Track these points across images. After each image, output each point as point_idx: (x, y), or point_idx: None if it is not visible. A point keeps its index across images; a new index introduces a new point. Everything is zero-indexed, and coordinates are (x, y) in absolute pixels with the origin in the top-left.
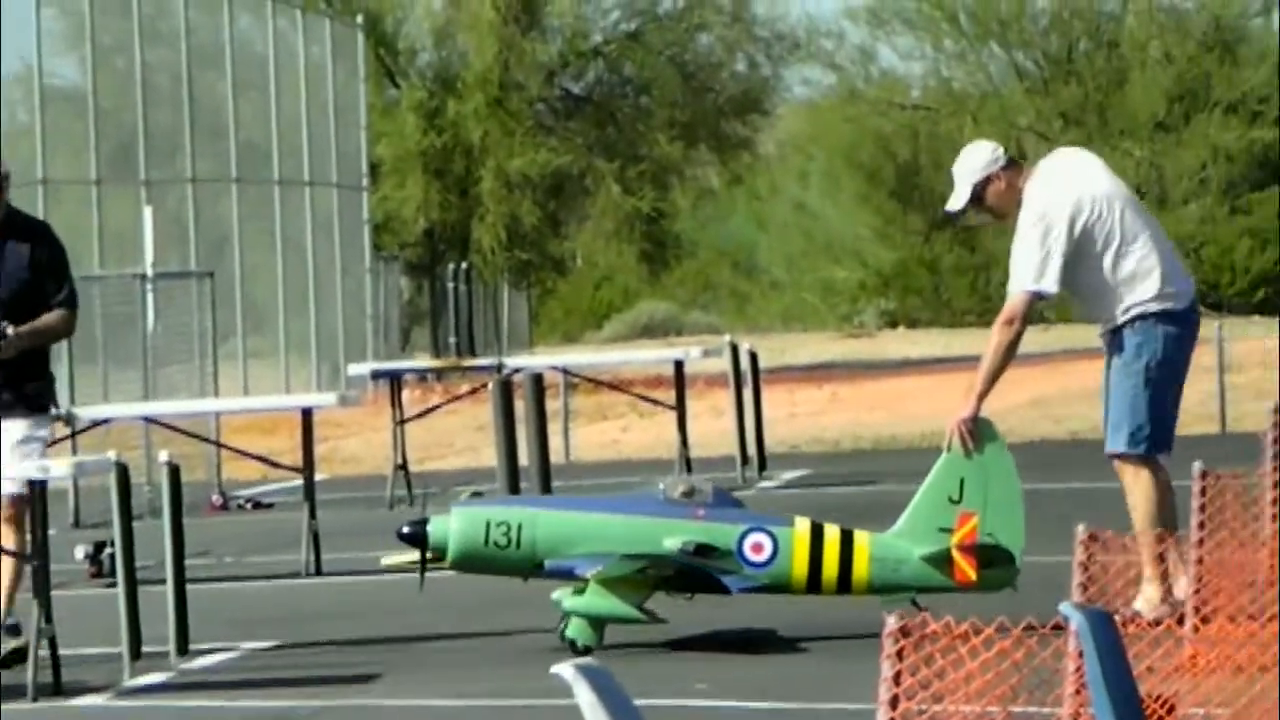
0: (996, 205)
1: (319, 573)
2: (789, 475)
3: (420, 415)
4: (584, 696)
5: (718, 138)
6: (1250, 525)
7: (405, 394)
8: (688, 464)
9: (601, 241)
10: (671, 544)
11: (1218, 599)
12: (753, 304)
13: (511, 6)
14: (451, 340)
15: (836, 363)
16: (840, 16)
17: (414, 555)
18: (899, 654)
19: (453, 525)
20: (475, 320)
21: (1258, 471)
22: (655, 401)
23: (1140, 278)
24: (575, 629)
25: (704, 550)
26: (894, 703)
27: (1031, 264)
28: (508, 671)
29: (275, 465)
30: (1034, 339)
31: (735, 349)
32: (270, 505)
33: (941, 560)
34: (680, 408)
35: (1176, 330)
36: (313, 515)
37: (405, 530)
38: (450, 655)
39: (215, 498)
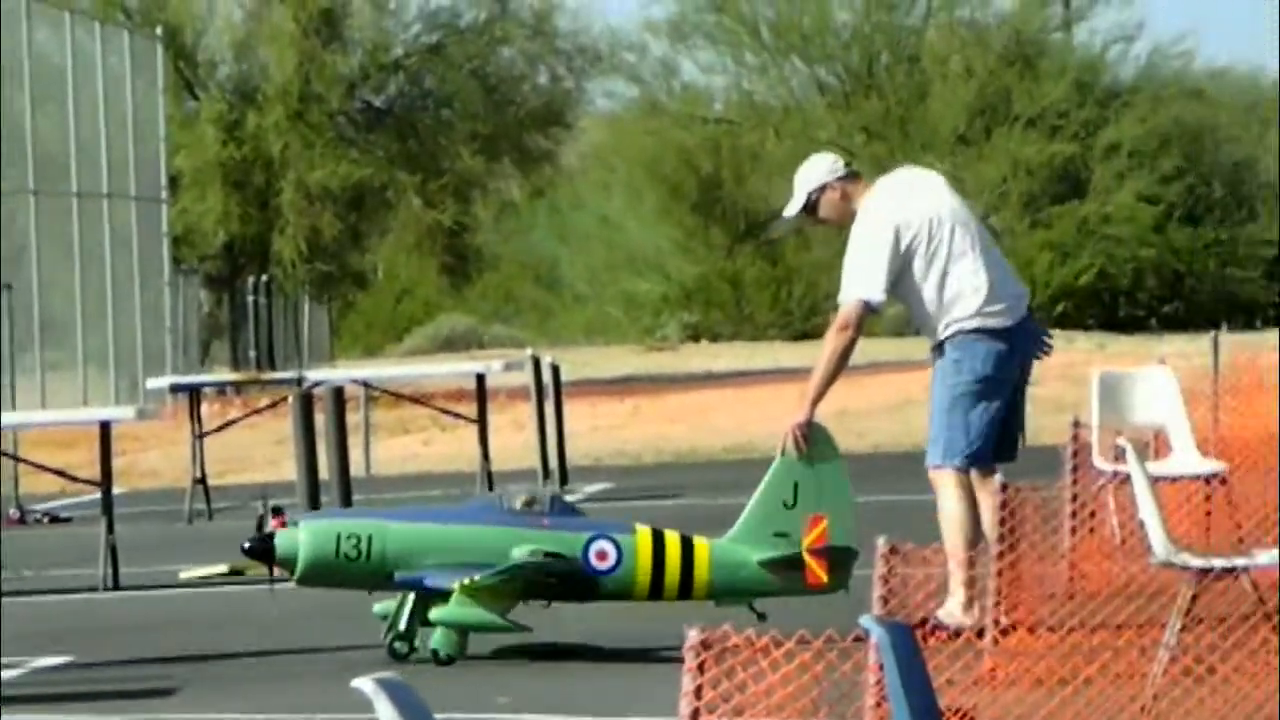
0: (830, 215)
1: (117, 587)
2: (591, 489)
3: (219, 429)
4: (384, 711)
5: (520, 150)
6: (1049, 538)
7: (204, 407)
8: (489, 478)
9: (403, 254)
10: (519, 553)
11: (1017, 612)
12: (555, 317)
13: (312, 19)
14: (251, 354)
15: (638, 376)
16: (642, 30)
17: (215, 569)
18: (700, 667)
19: (302, 538)
20: (275, 333)
21: (1056, 484)
22: (456, 415)
23: (963, 296)
24: (440, 640)
25: (552, 559)
26: (695, 716)
27: (859, 273)
28: (309, 686)
29: (73, 479)
30: None
31: (537, 362)
32: (68, 519)
33: (783, 564)
34: (482, 421)
35: (998, 347)
36: (110, 529)
37: (249, 544)
38: (251, 670)
39: (12, 512)
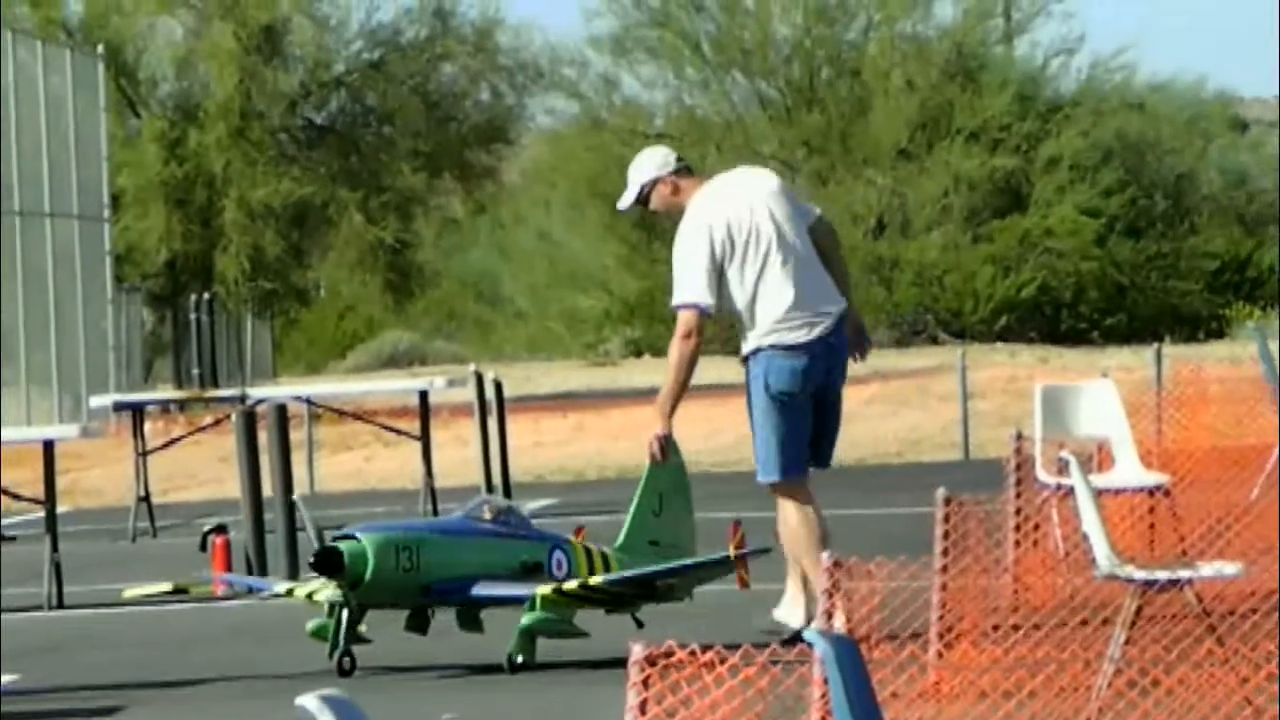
0: (660, 208)
1: (61, 605)
2: (535, 505)
3: (163, 446)
4: None
5: (461, 167)
6: (993, 551)
7: (148, 425)
8: (433, 494)
9: (345, 271)
10: (528, 561)
11: (961, 624)
12: (497, 333)
13: (253, 36)
14: (195, 371)
15: (580, 392)
16: (584, 45)
17: (159, 587)
18: (644, 682)
19: (369, 549)
20: (219, 351)
21: (1000, 498)
22: (400, 431)
23: (765, 308)
24: (519, 647)
25: (535, 568)
26: None
27: (685, 280)
28: (255, 704)
29: (17, 497)
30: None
31: (480, 378)
32: (12, 538)
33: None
34: (425, 437)
35: (796, 362)
36: (54, 547)
37: (314, 558)
38: (196, 688)
39: None
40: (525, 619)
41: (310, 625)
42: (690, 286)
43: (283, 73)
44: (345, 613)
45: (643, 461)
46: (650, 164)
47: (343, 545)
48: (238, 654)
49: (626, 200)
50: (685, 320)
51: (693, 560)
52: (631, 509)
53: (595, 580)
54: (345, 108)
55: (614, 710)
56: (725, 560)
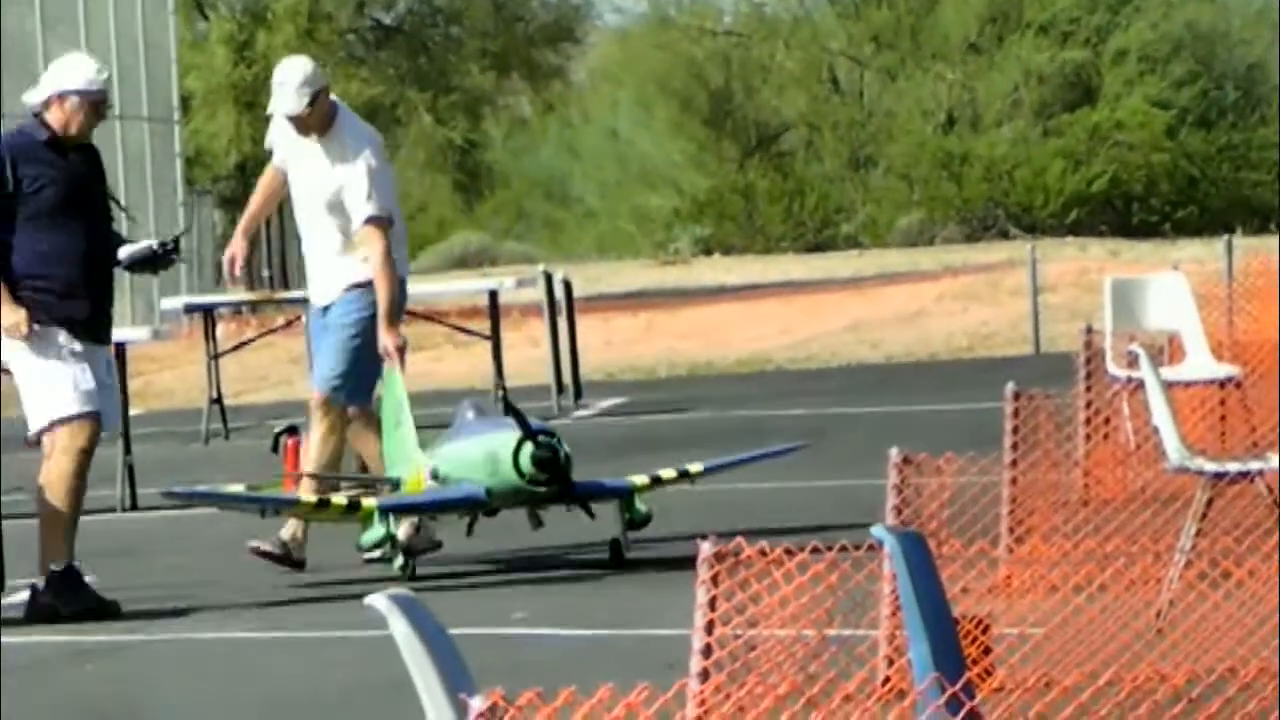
0: (314, 124)
1: (134, 508)
2: (605, 403)
3: (234, 349)
4: (398, 628)
5: (529, 67)
6: (1063, 445)
7: (219, 328)
8: (504, 393)
9: (414, 172)
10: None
11: (1031, 519)
12: (567, 233)
13: None
14: (265, 273)
15: (651, 290)
16: None
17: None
18: (714, 579)
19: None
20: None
21: (1070, 392)
22: (470, 331)
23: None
24: (625, 539)
25: None
26: (709, 628)
27: (384, 189)
28: (325, 605)
29: None
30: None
31: (549, 278)
32: None
33: None
34: (495, 338)
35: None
36: (128, 450)
37: (544, 458)
38: (268, 590)
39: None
40: (630, 511)
41: (369, 537)
42: (388, 197)
43: None
44: (394, 520)
45: (712, 359)
46: (313, 71)
47: (559, 446)
48: (309, 556)
49: (298, 106)
50: (379, 237)
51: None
52: (409, 420)
53: (694, 468)
54: (413, 8)
55: (684, 608)
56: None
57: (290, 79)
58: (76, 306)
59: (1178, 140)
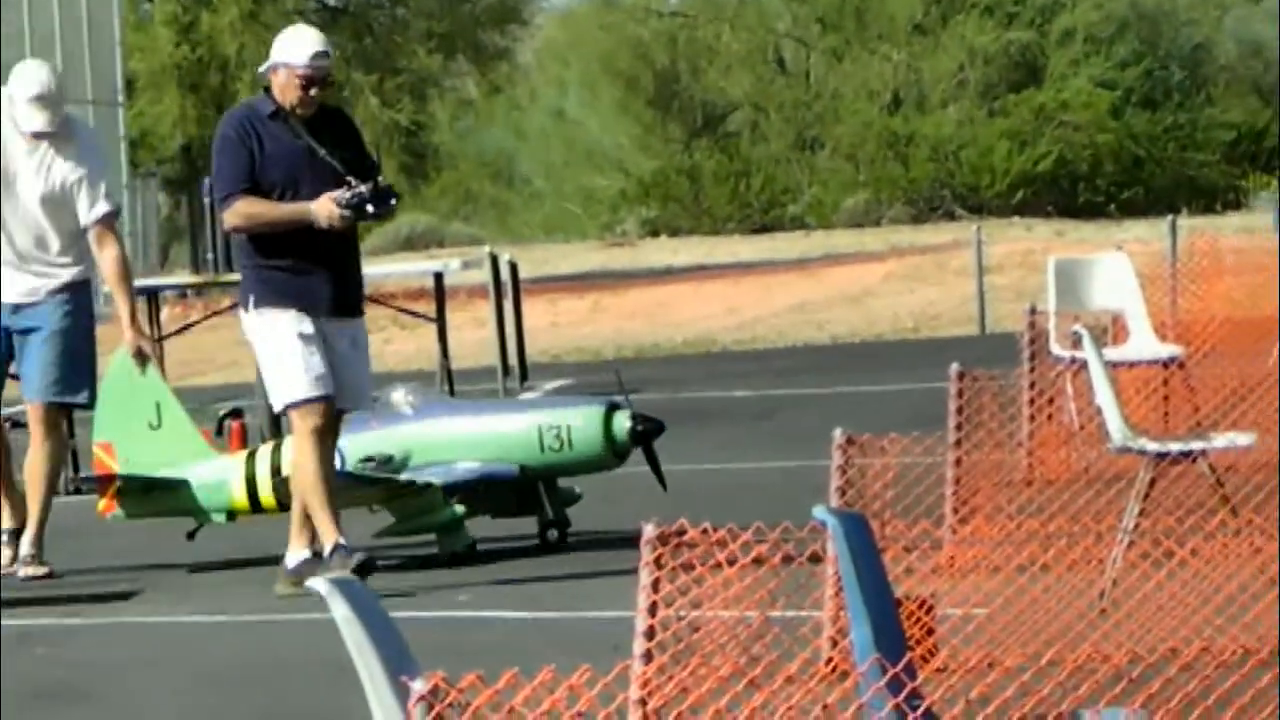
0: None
1: (79, 491)
2: (551, 385)
3: (179, 331)
4: (340, 611)
5: (476, 48)
6: (1007, 425)
7: (164, 311)
8: (449, 375)
9: None
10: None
11: (974, 499)
12: (514, 214)
13: None
14: (210, 256)
15: (598, 272)
16: None
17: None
18: (657, 561)
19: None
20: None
21: (1014, 372)
22: (415, 314)
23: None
24: None
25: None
26: (653, 610)
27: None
28: (268, 589)
29: None
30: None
31: (495, 260)
32: (23, 424)
33: None
34: (440, 320)
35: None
36: (71, 434)
37: (645, 431)
38: (214, 575)
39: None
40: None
41: (446, 513)
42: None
43: None
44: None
45: (658, 341)
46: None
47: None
48: (252, 540)
49: (50, 124)
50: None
51: None
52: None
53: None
54: None
55: (627, 589)
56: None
57: (36, 92)
58: (307, 283)
59: (1123, 121)
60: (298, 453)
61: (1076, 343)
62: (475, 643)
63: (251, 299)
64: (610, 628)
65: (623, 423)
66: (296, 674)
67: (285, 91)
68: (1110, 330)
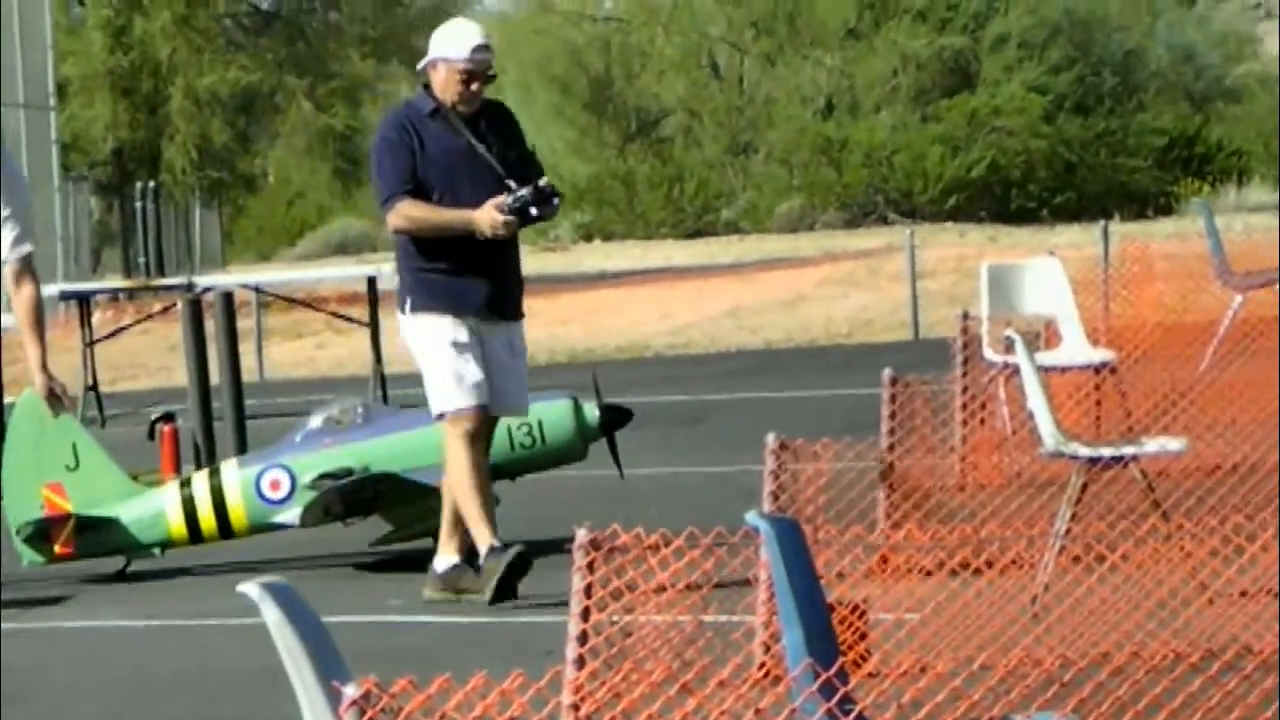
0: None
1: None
2: None
3: (110, 335)
4: (270, 615)
5: (410, 52)
6: (940, 430)
7: (96, 315)
8: (382, 380)
9: (293, 158)
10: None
11: (908, 504)
12: None
13: None
14: (141, 260)
15: (532, 277)
16: None
17: None
18: (590, 565)
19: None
20: (166, 239)
21: (947, 377)
22: (348, 318)
23: None
24: None
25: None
26: (585, 615)
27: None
28: (197, 592)
29: None
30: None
31: None
32: None
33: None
34: (374, 324)
35: None
36: (2, 437)
37: (615, 419)
38: (146, 579)
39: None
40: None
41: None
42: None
43: None
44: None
45: (592, 346)
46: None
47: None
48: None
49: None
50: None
51: None
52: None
53: None
54: None
55: (560, 595)
56: None
57: None
58: (465, 287)
59: (1056, 126)
60: (452, 458)
61: (1009, 348)
62: (408, 647)
63: (409, 302)
64: (543, 632)
65: (592, 412)
66: (228, 678)
67: (445, 88)
68: (1043, 335)
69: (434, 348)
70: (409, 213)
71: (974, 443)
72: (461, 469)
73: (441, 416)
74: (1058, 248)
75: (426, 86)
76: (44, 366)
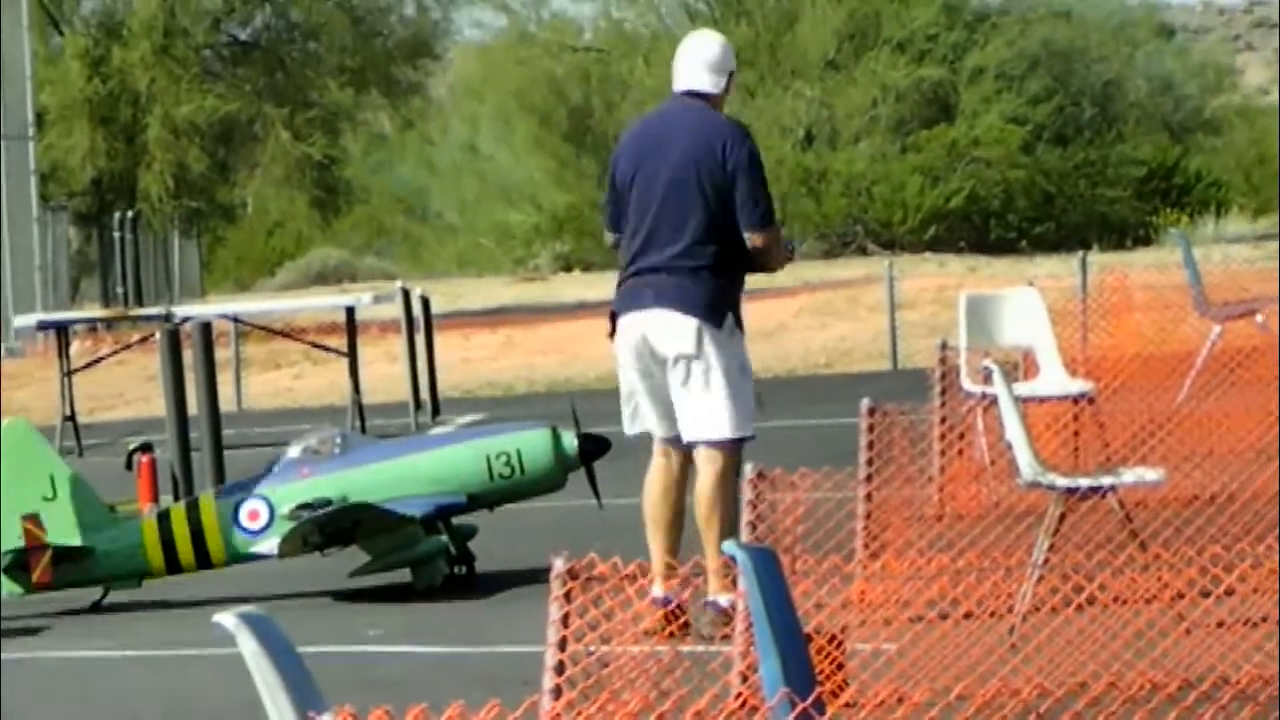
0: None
1: None
2: (463, 420)
3: (88, 365)
4: (247, 645)
5: (388, 82)
6: (918, 460)
7: (74, 345)
8: (361, 411)
9: (272, 188)
10: None
11: (886, 534)
12: (427, 249)
13: None
14: (119, 290)
15: (511, 307)
16: None
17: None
18: (567, 595)
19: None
20: (145, 269)
21: (925, 407)
22: (326, 348)
23: None
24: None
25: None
26: (562, 644)
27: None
28: (175, 622)
29: None
30: None
31: (407, 294)
32: None
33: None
34: (352, 355)
35: None
36: None
37: (597, 447)
38: (122, 609)
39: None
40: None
41: (426, 546)
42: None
43: None
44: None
45: (571, 376)
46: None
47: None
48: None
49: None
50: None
51: None
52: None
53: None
54: (270, 24)
55: (537, 623)
56: None
57: None
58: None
59: (1034, 157)
60: (727, 487)
61: (987, 378)
62: (384, 677)
63: (731, 318)
64: (519, 662)
65: (571, 442)
66: (205, 710)
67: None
68: (1021, 366)
69: (748, 369)
70: (775, 236)
71: (952, 473)
72: (731, 499)
73: (739, 442)
74: (1036, 278)
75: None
76: None
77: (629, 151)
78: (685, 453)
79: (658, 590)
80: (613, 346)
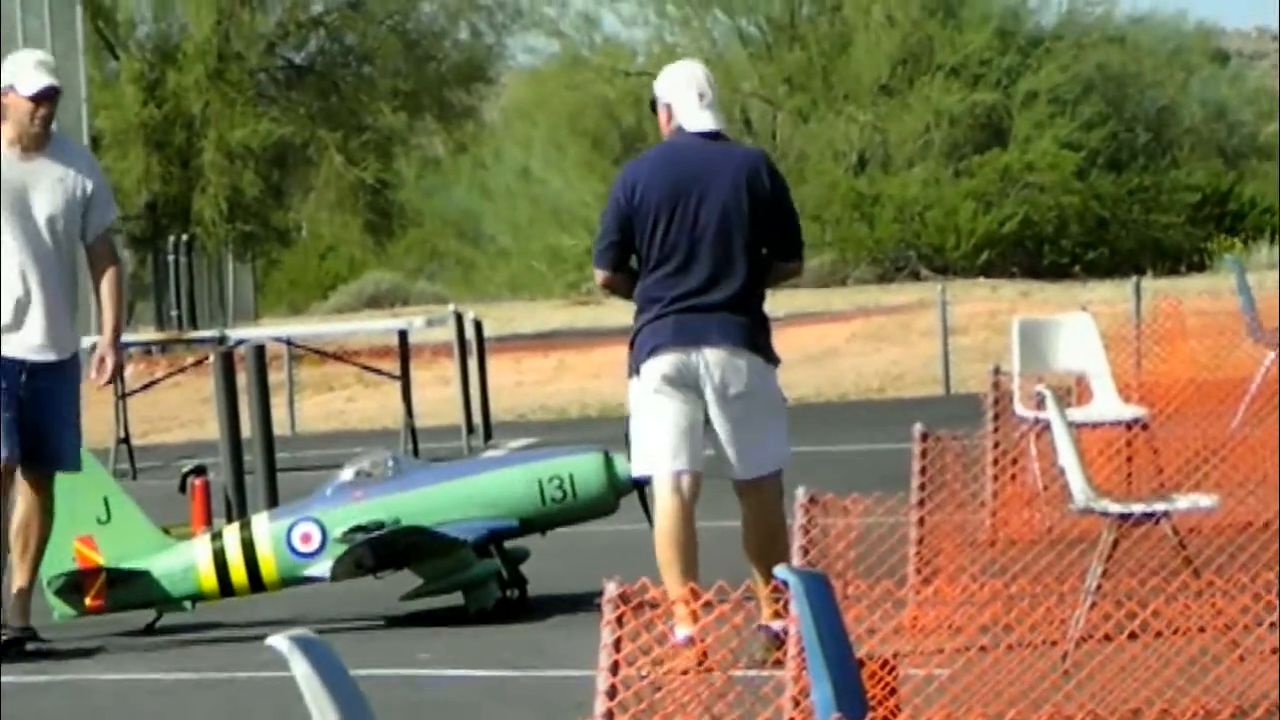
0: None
1: None
2: (516, 444)
3: (143, 388)
4: (299, 669)
5: (441, 106)
6: (970, 486)
7: (128, 367)
8: (413, 434)
9: (326, 212)
10: None
11: (938, 560)
12: (479, 272)
13: None
14: (174, 313)
15: (563, 330)
16: None
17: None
18: (619, 620)
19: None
20: (199, 293)
21: (978, 433)
22: (379, 371)
23: None
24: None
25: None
26: (614, 669)
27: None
28: (227, 647)
29: None
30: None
31: (460, 318)
32: None
33: None
34: (405, 378)
35: None
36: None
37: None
38: (176, 632)
39: None
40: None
41: (478, 569)
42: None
43: (260, 13)
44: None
45: (623, 399)
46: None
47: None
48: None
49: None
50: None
51: None
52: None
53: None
54: (324, 47)
55: (588, 648)
56: None
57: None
58: None
59: (1088, 182)
60: (781, 515)
61: (1040, 403)
62: (436, 700)
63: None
64: (571, 686)
65: (624, 465)
66: None
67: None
68: (1074, 391)
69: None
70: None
71: (1005, 498)
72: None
73: (779, 474)
74: (1090, 303)
75: None
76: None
77: (657, 183)
78: (693, 482)
79: (683, 631)
80: (638, 379)
